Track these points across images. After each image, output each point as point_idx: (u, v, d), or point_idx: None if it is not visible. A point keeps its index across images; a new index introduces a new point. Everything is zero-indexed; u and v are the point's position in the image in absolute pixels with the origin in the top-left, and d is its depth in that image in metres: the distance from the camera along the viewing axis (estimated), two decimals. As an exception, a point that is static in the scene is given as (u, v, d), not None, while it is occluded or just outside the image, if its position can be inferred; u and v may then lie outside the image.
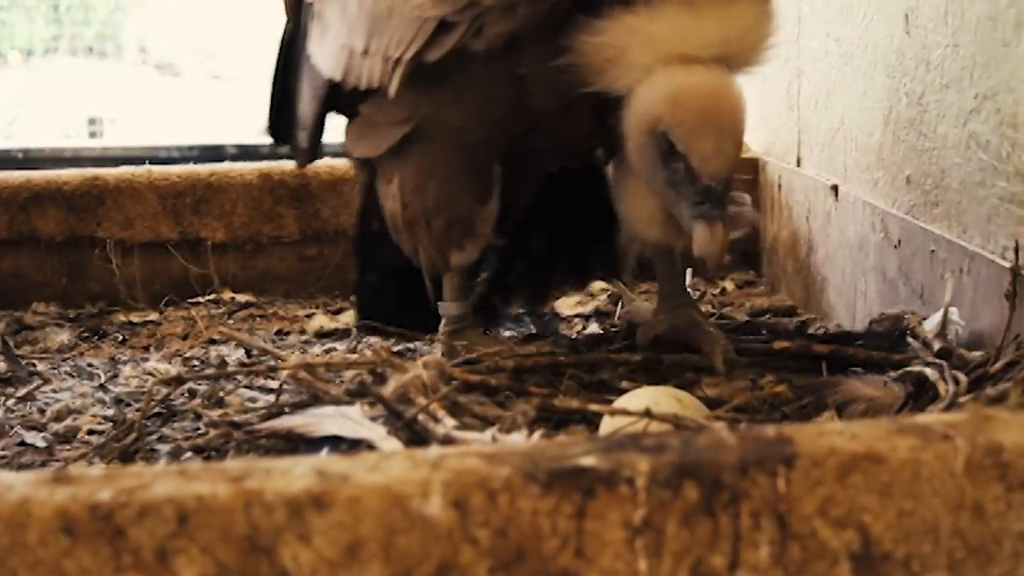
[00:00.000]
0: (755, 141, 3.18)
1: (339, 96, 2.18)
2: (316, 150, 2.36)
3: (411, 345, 2.52)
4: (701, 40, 1.90)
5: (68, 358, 2.59)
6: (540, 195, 2.34)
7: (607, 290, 2.93)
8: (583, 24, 1.88)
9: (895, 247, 2.38)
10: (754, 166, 3.15)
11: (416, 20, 1.94)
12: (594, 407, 1.79)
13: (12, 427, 2.11)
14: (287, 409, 1.96)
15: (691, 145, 1.89)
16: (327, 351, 2.57)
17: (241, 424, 1.92)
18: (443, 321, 2.26)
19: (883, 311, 2.25)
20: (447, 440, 1.63)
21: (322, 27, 2.17)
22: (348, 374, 2.07)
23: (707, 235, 1.90)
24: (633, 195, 2.16)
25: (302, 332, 2.77)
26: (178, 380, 2.06)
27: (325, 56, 2.16)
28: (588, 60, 1.90)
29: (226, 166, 3.07)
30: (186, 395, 2.17)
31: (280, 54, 2.40)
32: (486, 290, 2.48)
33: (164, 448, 1.93)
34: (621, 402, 1.83)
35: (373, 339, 2.65)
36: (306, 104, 2.29)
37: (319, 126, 2.30)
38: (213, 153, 4.60)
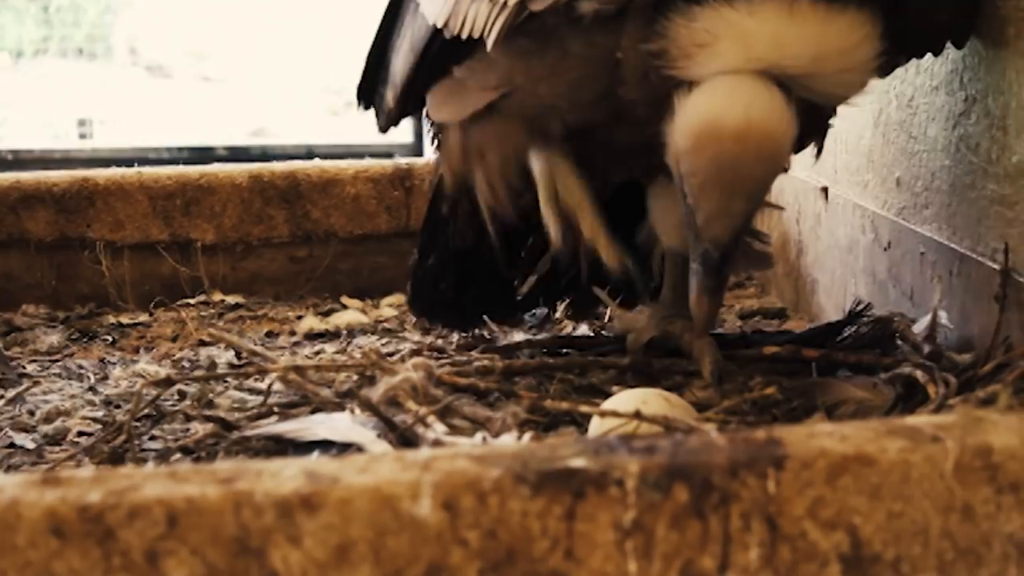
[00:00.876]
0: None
1: (438, 53, 2.11)
2: (401, 114, 2.33)
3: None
4: (792, 52, 1.80)
5: (58, 359, 2.58)
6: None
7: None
8: (682, 8, 1.80)
9: (885, 249, 2.38)
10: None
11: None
12: (584, 408, 1.79)
13: (1, 429, 2.11)
14: (276, 409, 1.96)
15: (697, 201, 1.83)
16: (317, 353, 2.57)
17: (231, 426, 1.92)
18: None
19: (872, 312, 2.26)
20: (437, 443, 1.63)
21: None
22: (339, 375, 2.08)
23: (694, 300, 1.87)
24: (660, 195, 2.14)
25: (292, 334, 2.77)
26: (167, 382, 2.06)
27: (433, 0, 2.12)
28: (678, 45, 1.82)
29: (216, 168, 3.07)
30: (175, 396, 2.17)
31: (386, 12, 2.34)
32: (534, 288, 2.47)
33: (153, 448, 1.93)
34: (610, 404, 1.83)
35: (363, 340, 2.65)
36: (402, 59, 2.24)
37: (411, 85, 2.23)
38: (203, 154, 4.62)
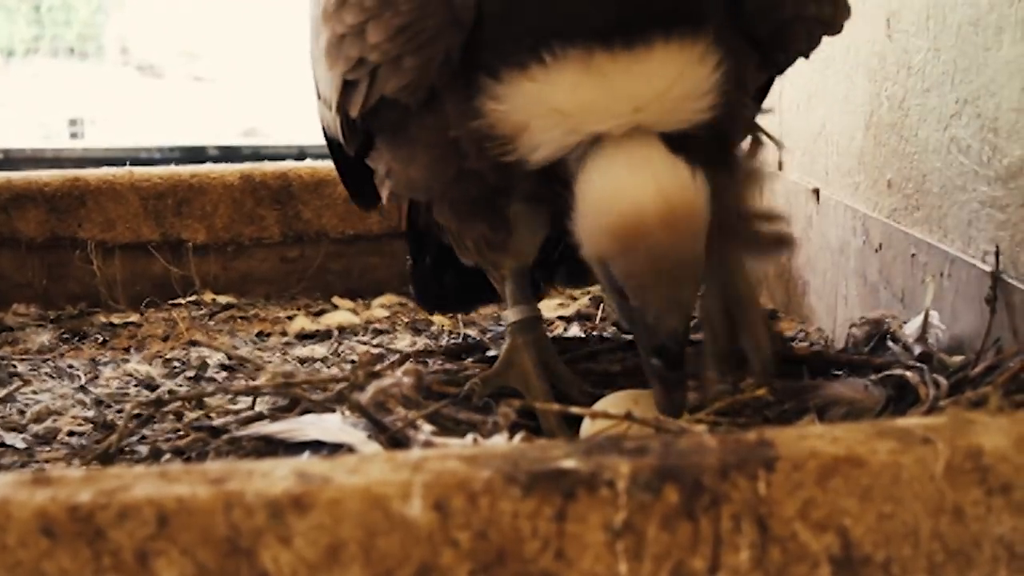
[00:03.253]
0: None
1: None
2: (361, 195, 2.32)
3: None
4: (609, 112, 1.68)
5: (48, 359, 2.58)
6: None
7: (588, 292, 2.93)
8: (486, 86, 1.71)
9: (876, 251, 2.38)
10: (736, 170, 3.15)
11: (330, 79, 1.89)
12: (575, 410, 1.78)
13: (-9, 429, 2.11)
14: (266, 411, 1.96)
15: (643, 301, 1.72)
16: (308, 354, 2.57)
17: (220, 429, 1.92)
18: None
19: (864, 315, 2.26)
20: (427, 444, 1.63)
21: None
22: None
23: (664, 399, 1.76)
24: None
25: (283, 334, 2.77)
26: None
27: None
28: (496, 130, 1.73)
29: (207, 168, 3.07)
30: (167, 397, 2.16)
31: None
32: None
33: (144, 450, 1.93)
34: (601, 405, 1.83)
35: (354, 341, 2.65)
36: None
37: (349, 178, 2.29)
38: (194, 154, 4.61)
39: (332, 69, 1.86)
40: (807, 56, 1.98)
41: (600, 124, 1.69)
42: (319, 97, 2.06)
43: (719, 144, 1.88)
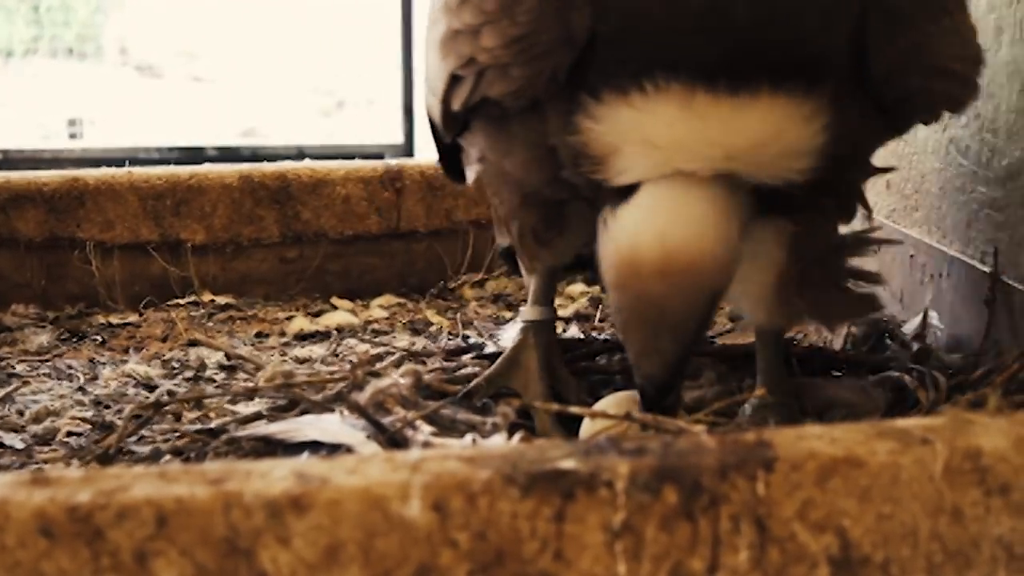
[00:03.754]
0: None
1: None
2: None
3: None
4: (700, 154, 1.64)
5: (47, 360, 2.58)
6: None
7: (587, 293, 2.93)
8: (587, 105, 1.68)
9: (875, 251, 2.38)
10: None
11: (440, 69, 1.90)
12: (574, 410, 1.79)
13: (-10, 429, 2.11)
14: (264, 411, 1.96)
15: (625, 337, 1.74)
16: (307, 355, 2.57)
17: (218, 430, 1.92)
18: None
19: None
20: (427, 444, 1.63)
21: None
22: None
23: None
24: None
25: (282, 334, 2.77)
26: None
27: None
28: (591, 147, 1.70)
29: (206, 168, 3.07)
30: (165, 397, 2.16)
31: None
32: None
33: (143, 450, 1.93)
34: (601, 405, 1.83)
35: (353, 341, 2.65)
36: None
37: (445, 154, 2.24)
38: (193, 155, 4.62)
39: (443, 60, 1.87)
40: (927, 124, 1.95)
41: (688, 164, 1.65)
42: (426, 81, 2.06)
43: (821, 203, 1.85)
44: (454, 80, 1.86)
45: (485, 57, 1.77)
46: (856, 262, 1.93)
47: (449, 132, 2.02)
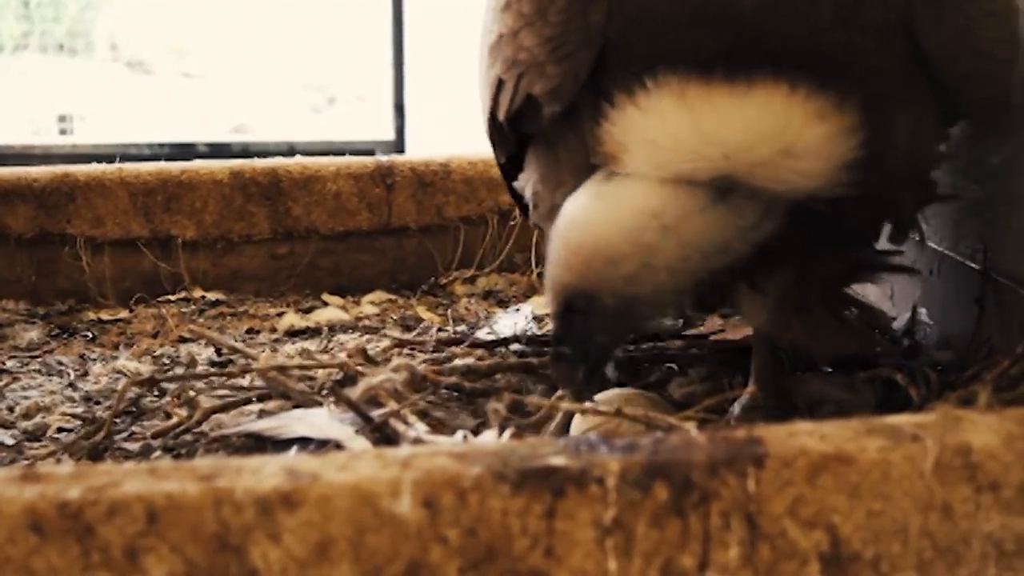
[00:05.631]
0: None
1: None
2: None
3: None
4: (696, 153, 1.57)
5: (37, 355, 2.58)
6: None
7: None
8: (604, 109, 1.64)
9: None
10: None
11: (487, 77, 1.89)
12: (565, 406, 1.79)
13: (-20, 425, 2.11)
14: (254, 405, 1.96)
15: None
16: (298, 351, 2.57)
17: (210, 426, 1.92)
18: None
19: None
20: (417, 440, 1.63)
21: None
22: (319, 372, 2.08)
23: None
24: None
25: (273, 331, 2.77)
26: (151, 381, 2.05)
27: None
28: (611, 151, 1.65)
29: (197, 164, 3.06)
30: (156, 393, 2.16)
31: None
32: None
33: (133, 446, 1.93)
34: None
35: (343, 337, 2.65)
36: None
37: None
38: (184, 151, 4.62)
39: (491, 69, 1.86)
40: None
41: (686, 164, 1.58)
42: (480, 95, 2.02)
43: (875, 227, 1.82)
44: (499, 85, 1.85)
45: (524, 56, 1.76)
46: (864, 286, 1.90)
47: (501, 151, 2.02)
